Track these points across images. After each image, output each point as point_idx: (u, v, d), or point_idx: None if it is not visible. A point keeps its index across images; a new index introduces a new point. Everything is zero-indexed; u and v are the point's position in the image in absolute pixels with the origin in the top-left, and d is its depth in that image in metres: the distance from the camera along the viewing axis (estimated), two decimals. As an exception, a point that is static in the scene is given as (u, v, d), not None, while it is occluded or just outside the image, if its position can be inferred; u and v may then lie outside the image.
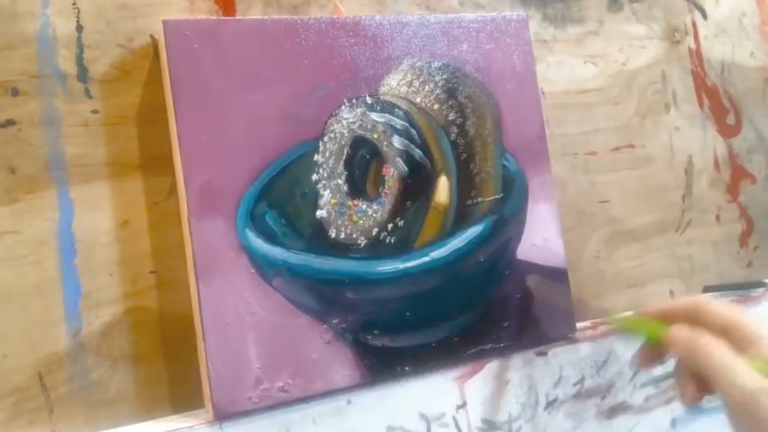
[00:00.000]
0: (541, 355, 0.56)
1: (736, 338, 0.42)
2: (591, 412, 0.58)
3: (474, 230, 0.54)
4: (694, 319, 0.44)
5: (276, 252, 0.48)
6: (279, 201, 0.49)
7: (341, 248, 0.50)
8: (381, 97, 0.53)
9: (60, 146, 0.46)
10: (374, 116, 0.52)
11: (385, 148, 0.52)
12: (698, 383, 0.43)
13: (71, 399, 0.45)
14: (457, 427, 0.52)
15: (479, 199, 0.55)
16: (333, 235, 0.50)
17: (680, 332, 0.44)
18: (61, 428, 0.45)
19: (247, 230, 0.48)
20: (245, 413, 0.46)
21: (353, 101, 0.52)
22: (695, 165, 0.74)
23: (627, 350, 0.59)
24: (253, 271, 0.47)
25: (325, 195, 0.50)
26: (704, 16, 0.77)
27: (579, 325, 0.60)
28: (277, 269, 0.48)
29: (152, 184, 0.49)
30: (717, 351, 0.41)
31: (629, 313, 0.55)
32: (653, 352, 0.48)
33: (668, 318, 0.46)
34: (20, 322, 0.44)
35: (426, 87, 0.54)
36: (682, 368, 0.45)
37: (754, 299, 0.67)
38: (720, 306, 0.45)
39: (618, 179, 0.69)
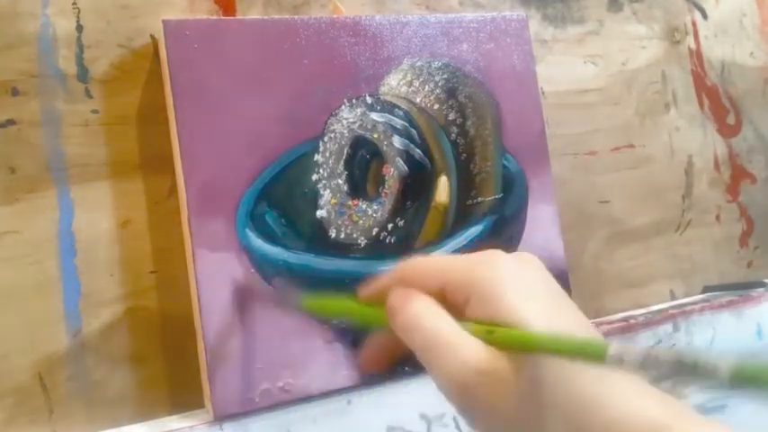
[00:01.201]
0: (541, 355, 0.56)
1: (453, 295, 0.31)
2: (591, 412, 0.57)
3: (474, 230, 0.54)
4: (407, 286, 0.33)
5: (276, 252, 0.48)
6: (279, 201, 0.49)
7: (341, 248, 0.50)
8: (381, 97, 0.53)
9: (60, 146, 0.46)
10: (374, 116, 0.52)
11: (385, 148, 0.52)
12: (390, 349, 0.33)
13: (71, 399, 0.45)
14: (457, 427, 0.52)
15: (479, 199, 0.55)
16: (333, 235, 0.50)
17: (392, 301, 0.32)
18: (61, 428, 0.45)
19: (247, 230, 0.48)
20: (245, 413, 0.46)
21: (353, 101, 0.52)
22: (695, 165, 0.74)
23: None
24: (253, 271, 0.47)
25: (326, 195, 0.50)
26: (704, 16, 0.77)
27: (579, 325, 0.60)
28: (277, 269, 0.48)
29: (152, 184, 0.49)
30: (425, 323, 0.30)
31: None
32: (382, 347, 0.37)
33: (382, 298, 0.33)
34: (20, 322, 0.44)
35: (426, 87, 0.54)
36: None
37: (754, 299, 0.67)
38: (426, 260, 0.34)
39: (618, 179, 0.69)
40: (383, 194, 0.52)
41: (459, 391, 0.29)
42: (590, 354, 0.27)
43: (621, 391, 0.27)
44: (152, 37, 0.49)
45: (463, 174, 0.55)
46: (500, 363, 0.29)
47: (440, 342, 0.30)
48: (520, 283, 0.30)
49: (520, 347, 0.28)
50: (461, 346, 0.29)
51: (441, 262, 0.33)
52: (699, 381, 0.24)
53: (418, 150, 0.53)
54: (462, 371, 0.29)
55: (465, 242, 0.54)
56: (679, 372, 0.25)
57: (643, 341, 0.60)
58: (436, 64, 0.55)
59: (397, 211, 0.52)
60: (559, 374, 0.28)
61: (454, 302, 0.31)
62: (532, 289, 0.30)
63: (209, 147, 0.47)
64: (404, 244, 0.52)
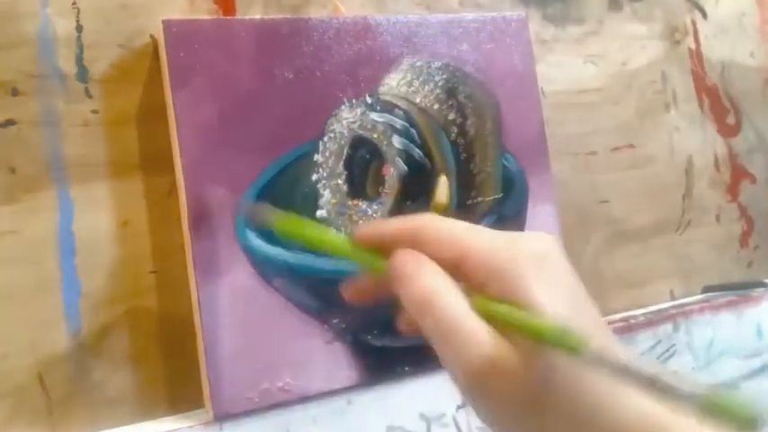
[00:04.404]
0: (541, 355, 0.56)
1: (468, 270, 0.29)
2: (591, 412, 0.57)
3: (474, 230, 0.54)
4: (419, 246, 0.31)
5: (276, 252, 0.48)
6: (279, 201, 0.49)
7: (341, 248, 0.50)
8: (381, 97, 0.53)
9: (60, 146, 0.46)
10: (374, 116, 0.52)
11: (385, 148, 0.52)
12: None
13: (71, 399, 0.45)
14: (457, 427, 0.52)
15: (479, 199, 0.55)
16: (333, 235, 0.50)
17: (402, 265, 0.30)
18: (61, 428, 0.45)
19: (247, 230, 0.48)
20: (245, 413, 0.46)
21: (353, 101, 0.52)
22: (695, 165, 0.74)
23: (627, 350, 0.59)
24: (253, 271, 0.47)
25: (325, 195, 0.50)
26: (704, 16, 0.77)
27: (579, 325, 0.60)
28: (277, 269, 0.48)
29: (152, 184, 0.49)
30: (439, 302, 0.29)
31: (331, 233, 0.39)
32: (371, 284, 0.34)
33: (389, 245, 0.31)
34: (20, 322, 0.44)
35: (426, 87, 0.54)
36: None
37: (754, 299, 0.67)
38: (448, 225, 0.31)
39: (618, 179, 0.69)
40: (383, 194, 0.52)
41: (470, 381, 0.28)
42: (569, 346, 0.27)
43: (630, 393, 0.27)
44: (152, 37, 0.49)
45: (463, 174, 0.55)
46: (512, 355, 0.28)
47: (454, 328, 0.28)
48: (543, 279, 0.29)
49: (513, 326, 0.28)
50: (476, 334, 0.28)
51: (463, 233, 0.31)
52: (671, 402, 0.25)
53: (418, 150, 0.53)
54: (476, 361, 0.28)
55: (465, 242, 0.54)
56: (654, 389, 0.25)
57: (643, 341, 0.60)
58: (436, 64, 0.55)
59: (396, 211, 0.52)
60: (568, 371, 0.27)
61: (467, 276, 0.29)
62: (555, 286, 0.30)
63: (210, 146, 0.47)
64: (404, 244, 0.52)
